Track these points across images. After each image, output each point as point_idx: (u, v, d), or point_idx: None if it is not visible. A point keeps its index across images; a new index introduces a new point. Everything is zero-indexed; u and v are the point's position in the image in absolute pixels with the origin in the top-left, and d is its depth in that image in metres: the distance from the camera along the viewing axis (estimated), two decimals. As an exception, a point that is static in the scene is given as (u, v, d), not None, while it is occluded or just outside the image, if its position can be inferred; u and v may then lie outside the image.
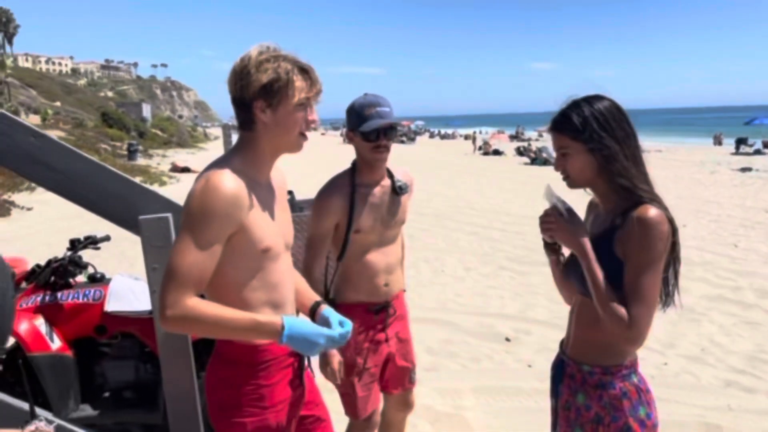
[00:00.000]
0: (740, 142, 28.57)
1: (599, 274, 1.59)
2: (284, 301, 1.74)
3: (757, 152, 26.85)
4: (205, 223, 1.50)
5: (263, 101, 1.57)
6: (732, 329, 5.16)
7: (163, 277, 1.48)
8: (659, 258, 1.55)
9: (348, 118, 2.35)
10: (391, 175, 2.48)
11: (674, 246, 1.61)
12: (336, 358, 2.25)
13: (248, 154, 1.65)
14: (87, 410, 3.04)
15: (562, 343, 1.87)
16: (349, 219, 2.35)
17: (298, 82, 1.59)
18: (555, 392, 1.83)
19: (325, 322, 1.68)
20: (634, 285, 1.55)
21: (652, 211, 1.54)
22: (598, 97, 1.67)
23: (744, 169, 19.53)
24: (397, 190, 2.44)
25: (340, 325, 1.66)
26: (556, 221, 1.70)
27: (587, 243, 1.63)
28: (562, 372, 1.80)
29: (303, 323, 1.58)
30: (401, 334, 2.61)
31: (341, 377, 2.31)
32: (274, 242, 1.67)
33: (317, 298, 1.89)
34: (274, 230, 1.69)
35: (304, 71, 1.61)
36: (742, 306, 5.78)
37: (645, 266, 1.55)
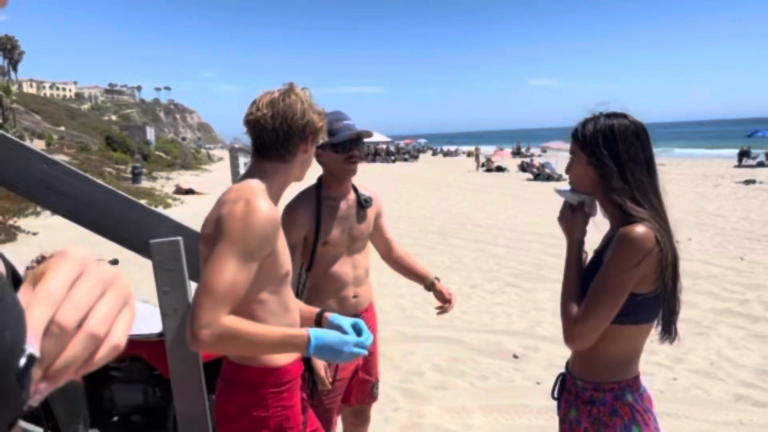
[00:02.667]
0: (743, 154, 28.56)
1: (573, 271, 1.71)
2: (296, 323, 1.79)
3: (761, 164, 26.81)
4: (247, 243, 1.54)
5: (313, 138, 1.75)
6: (740, 343, 5.13)
7: (198, 295, 1.51)
8: (625, 272, 1.56)
9: None
10: (355, 190, 2.56)
11: (663, 272, 1.58)
12: (322, 363, 2.26)
13: (277, 181, 1.73)
14: None
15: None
16: (317, 231, 2.41)
17: (326, 124, 1.84)
18: (558, 405, 1.87)
19: (339, 329, 1.72)
20: (595, 289, 1.60)
21: (639, 229, 1.56)
22: (619, 116, 1.70)
23: (747, 182, 19.52)
24: (363, 203, 2.52)
25: (353, 328, 1.72)
26: (562, 212, 1.82)
27: (574, 240, 1.75)
28: (563, 386, 1.84)
29: (327, 333, 1.63)
30: (370, 348, 2.62)
31: (329, 381, 2.33)
32: (289, 266, 1.74)
33: (315, 309, 1.93)
34: (289, 256, 1.75)
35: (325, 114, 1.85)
36: (750, 319, 5.75)
37: (611, 275, 1.58)
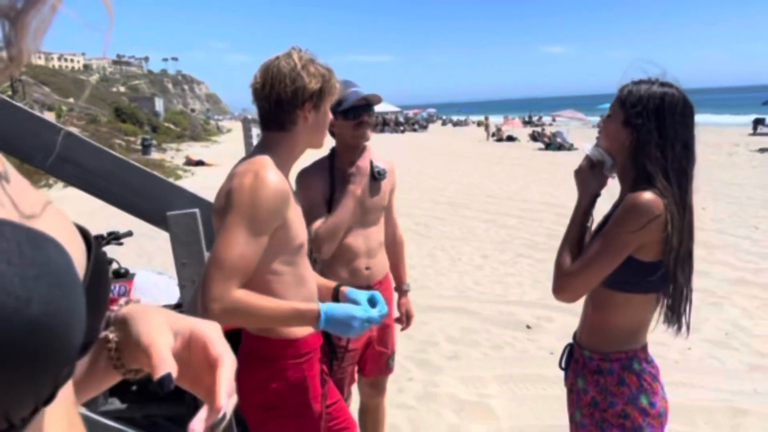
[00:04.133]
0: (758, 122, 28.16)
1: (575, 225, 1.71)
2: (313, 295, 1.78)
3: (776, 132, 26.47)
4: (256, 215, 1.52)
5: (311, 103, 1.65)
6: (755, 312, 5.11)
7: (208, 268, 1.51)
8: (623, 234, 1.55)
9: None
10: (370, 161, 2.51)
11: (665, 242, 1.55)
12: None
13: (283, 152, 1.69)
14: (116, 403, 3.08)
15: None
16: (329, 201, 2.39)
17: (336, 84, 1.72)
18: (566, 375, 1.87)
19: (353, 302, 1.72)
20: (591, 247, 1.61)
21: (647, 195, 1.54)
22: (673, 86, 1.65)
23: (763, 150, 19.28)
24: (376, 175, 2.49)
25: (370, 302, 1.71)
26: (580, 167, 1.79)
27: (586, 194, 1.74)
28: (570, 356, 1.84)
29: (338, 306, 1.63)
30: (386, 320, 2.63)
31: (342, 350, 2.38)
32: (304, 238, 1.72)
33: (333, 283, 1.92)
34: (303, 226, 1.73)
35: (334, 75, 1.73)
36: (764, 288, 5.72)
37: (609, 236, 1.57)
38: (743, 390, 3.74)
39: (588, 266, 1.59)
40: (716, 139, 24.74)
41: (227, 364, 0.63)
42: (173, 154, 26.85)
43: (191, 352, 0.64)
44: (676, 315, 1.67)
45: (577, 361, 1.78)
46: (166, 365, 0.57)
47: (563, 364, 1.88)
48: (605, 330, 1.68)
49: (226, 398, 0.60)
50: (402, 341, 4.38)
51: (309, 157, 2.11)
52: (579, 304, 4.81)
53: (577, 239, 1.69)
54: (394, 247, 2.79)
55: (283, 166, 1.68)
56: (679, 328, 1.69)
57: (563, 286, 1.64)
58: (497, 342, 4.67)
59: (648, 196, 1.53)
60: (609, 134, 1.70)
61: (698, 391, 3.71)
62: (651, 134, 1.60)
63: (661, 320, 1.70)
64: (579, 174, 1.78)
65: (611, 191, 1.79)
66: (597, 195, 1.76)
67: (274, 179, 1.57)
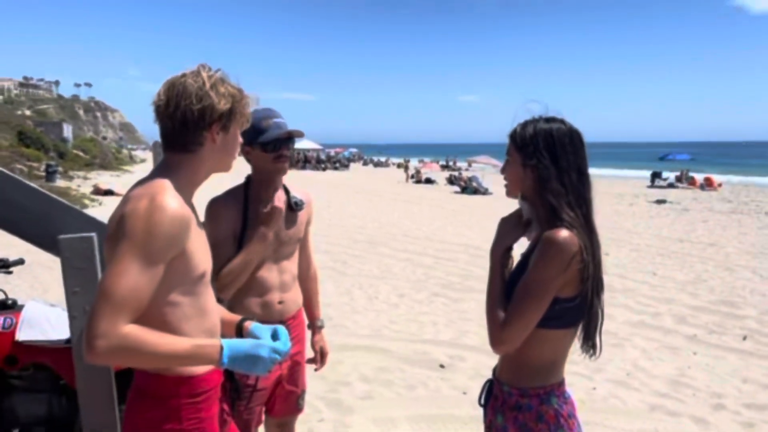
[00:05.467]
0: (655, 175, 30.27)
1: (497, 278, 1.70)
2: (216, 329, 1.66)
3: (671, 186, 28.49)
4: (150, 244, 1.39)
5: (219, 124, 1.55)
6: (654, 354, 5.35)
7: (95, 302, 1.34)
8: (551, 277, 1.57)
9: (242, 133, 2.31)
10: (287, 191, 2.46)
11: (585, 280, 1.59)
12: None
13: (185, 175, 1.57)
14: None
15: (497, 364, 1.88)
16: (242, 233, 2.30)
17: (246, 105, 1.61)
18: (484, 412, 1.85)
19: (256, 338, 1.61)
20: (520, 293, 1.60)
21: (563, 233, 1.57)
22: (556, 120, 1.71)
23: (659, 201, 20.68)
24: (293, 206, 2.42)
25: (272, 337, 1.61)
26: (510, 216, 1.80)
27: (502, 245, 1.75)
28: (490, 392, 1.82)
29: (241, 342, 1.52)
30: (296, 357, 2.55)
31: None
32: (207, 267, 1.60)
33: (237, 317, 1.81)
34: (206, 255, 1.62)
35: (246, 96, 1.63)
36: (662, 331, 6.02)
37: (534, 280, 1.58)
38: (645, 429, 3.86)
39: (521, 314, 1.58)
40: (619, 190, 26.31)
41: None
42: (80, 183, 25.53)
43: None
44: (591, 339, 1.71)
45: (497, 397, 1.76)
46: None
47: (482, 401, 1.85)
48: (525, 365, 1.68)
49: None
50: (314, 381, 4.25)
51: (220, 180, 2.02)
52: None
53: (501, 290, 1.68)
54: (308, 282, 2.70)
55: (185, 190, 1.55)
56: (594, 351, 1.73)
57: (501, 338, 1.61)
58: (411, 382, 4.62)
59: (563, 234, 1.56)
60: (512, 179, 1.74)
61: (602, 431, 3.80)
62: (549, 170, 1.65)
63: (578, 347, 1.73)
64: (505, 223, 1.79)
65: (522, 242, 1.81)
66: (510, 247, 1.77)
67: (173, 204, 1.43)
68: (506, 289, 1.70)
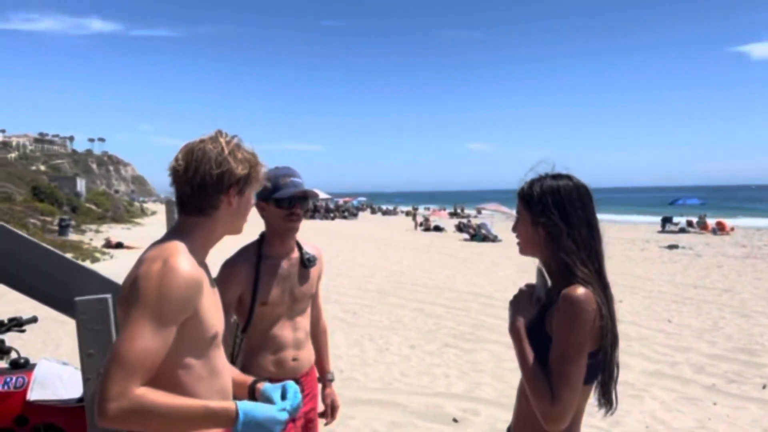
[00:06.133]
0: (666, 220, 30.15)
1: (528, 354, 1.63)
2: (228, 389, 1.67)
3: (682, 230, 28.33)
4: (163, 306, 1.40)
5: (236, 188, 1.59)
6: (673, 405, 5.22)
7: (108, 364, 1.35)
8: (583, 337, 1.55)
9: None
10: (300, 248, 2.48)
11: (604, 336, 1.59)
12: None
13: (200, 237, 1.60)
14: None
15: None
16: (254, 290, 2.32)
17: (261, 172, 1.66)
18: None
19: (268, 400, 1.61)
20: (558, 363, 1.56)
21: (580, 290, 1.57)
22: (564, 176, 1.73)
23: (671, 247, 20.50)
24: (306, 263, 2.45)
25: (283, 395, 1.61)
26: (521, 295, 1.77)
27: (521, 324, 1.69)
28: None
29: (256, 405, 1.51)
30: (310, 414, 2.53)
31: None
32: (220, 327, 1.62)
33: (249, 378, 1.80)
34: (219, 315, 1.64)
35: (260, 161, 1.68)
36: (680, 381, 5.89)
37: (568, 344, 1.56)
38: (666, 485, 3.74)
39: (568, 384, 1.55)
40: (630, 235, 26.21)
41: None
42: (92, 236, 25.77)
43: None
44: (608, 394, 1.69)
45: None
46: None
47: None
48: (541, 423, 1.65)
49: None
50: (325, 437, 4.17)
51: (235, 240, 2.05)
52: (504, 396, 4.77)
53: (537, 365, 1.62)
54: (318, 335, 2.71)
55: (199, 252, 1.58)
56: (610, 406, 1.71)
57: (556, 415, 1.55)
58: (424, 437, 4.52)
59: (580, 291, 1.56)
60: (524, 237, 1.76)
61: (623, 487, 3.69)
62: (559, 227, 1.66)
63: (594, 403, 1.71)
64: (518, 304, 1.76)
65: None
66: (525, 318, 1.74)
67: (185, 267, 1.46)
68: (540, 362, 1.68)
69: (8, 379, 2.81)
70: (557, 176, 1.73)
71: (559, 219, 1.66)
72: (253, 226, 2.23)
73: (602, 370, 1.65)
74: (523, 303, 1.76)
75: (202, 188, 1.56)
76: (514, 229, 1.79)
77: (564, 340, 1.56)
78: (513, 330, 1.71)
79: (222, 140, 1.59)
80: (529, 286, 1.80)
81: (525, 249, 1.78)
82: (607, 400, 1.70)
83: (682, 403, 5.28)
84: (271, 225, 2.40)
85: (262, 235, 2.44)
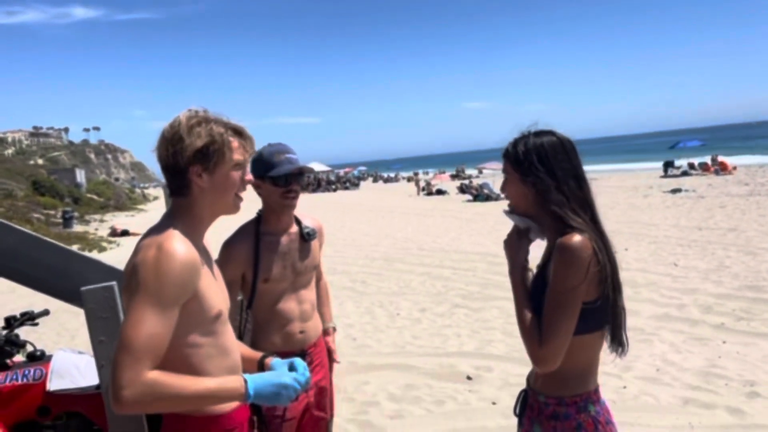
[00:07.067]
0: (668, 165, 30.00)
1: (521, 296, 1.70)
2: (237, 365, 1.70)
3: (684, 173, 28.22)
4: (162, 291, 1.42)
5: (199, 166, 1.55)
6: (683, 347, 5.29)
7: (117, 353, 1.38)
8: (575, 283, 1.58)
9: (254, 166, 2.35)
10: (298, 222, 2.49)
11: (604, 281, 1.62)
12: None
13: (186, 219, 1.60)
14: None
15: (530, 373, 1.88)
16: (255, 268, 2.34)
17: (234, 143, 1.59)
18: (519, 423, 1.84)
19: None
20: (549, 308, 1.61)
21: (575, 238, 1.59)
22: (546, 133, 1.76)
23: (674, 191, 20.47)
24: (305, 236, 2.46)
25: (289, 369, 1.65)
26: (509, 236, 1.82)
27: (517, 266, 1.76)
28: (525, 402, 1.82)
29: (263, 376, 1.56)
30: (321, 383, 2.57)
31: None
32: (223, 306, 1.64)
33: (258, 354, 1.84)
34: (221, 294, 1.66)
35: (238, 132, 1.61)
36: (689, 323, 5.95)
37: (560, 291, 1.59)
38: (679, 425, 3.82)
39: (557, 328, 1.58)
40: (632, 183, 26.15)
41: None
42: (97, 226, 25.87)
43: None
44: (618, 338, 1.73)
45: (533, 407, 1.77)
46: None
47: (517, 411, 1.86)
48: (560, 374, 1.68)
49: None
50: (342, 403, 4.26)
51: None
52: (515, 350, 4.83)
53: (529, 307, 1.68)
54: (318, 290, 2.72)
55: (193, 234, 1.59)
56: (622, 349, 1.75)
57: (543, 357, 1.60)
58: (439, 396, 4.60)
59: (576, 239, 1.59)
60: (513, 196, 1.78)
61: (636, 429, 3.77)
62: (546, 181, 1.68)
63: (605, 348, 1.75)
64: (509, 244, 1.81)
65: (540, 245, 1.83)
66: (526, 264, 1.79)
67: (180, 250, 1.47)
68: (532, 304, 1.72)
69: (26, 372, 2.87)
70: (540, 133, 1.75)
71: (545, 174, 1.68)
72: (253, 202, 2.24)
73: (608, 317, 1.68)
74: (513, 242, 1.80)
75: (166, 170, 1.57)
76: (503, 189, 1.82)
77: (557, 287, 1.60)
78: (511, 275, 1.77)
79: (183, 116, 1.56)
80: (513, 227, 1.82)
81: (517, 207, 1.79)
82: (618, 343, 1.74)
83: (692, 343, 5.35)
84: (267, 203, 2.41)
85: (260, 213, 2.45)
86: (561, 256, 1.59)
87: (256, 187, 2.37)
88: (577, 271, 1.57)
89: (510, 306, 7.26)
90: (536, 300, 1.67)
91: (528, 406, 1.80)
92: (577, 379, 1.69)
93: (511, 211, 1.81)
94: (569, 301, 1.59)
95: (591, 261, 1.58)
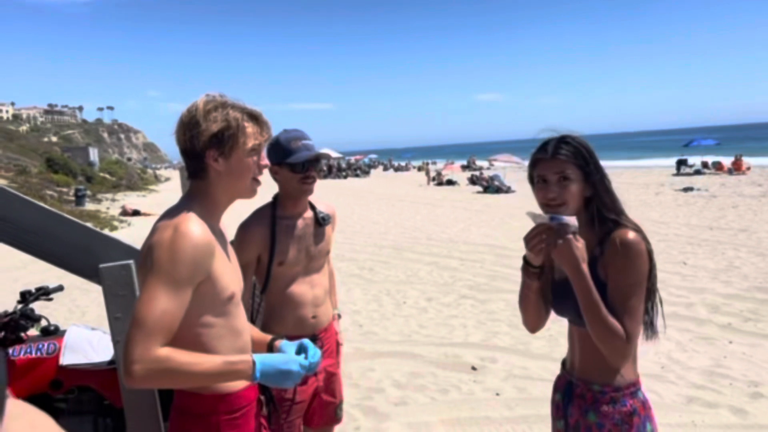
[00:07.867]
0: (681, 163, 29.78)
1: (596, 294, 1.62)
2: (247, 346, 1.74)
3: (697, 172, 28.01)
4: (176, 271, 1.46)
5: (215, 150, 1.58)
6: (689, 345, 5.30)
7: (130, 329, 1.43)
8: (643, 277, 1.65)
9: (271, 152, 2.37)
10: (313, 207, 2.52)
11: (651, 271, 1.69)
12: None
13: (204, 202, 1.64)
14: None
15: (565, 365, 1.93)
16: (271, 251, 2.37)
17: (249, 128, 1.62)
18: (564, 414, 1.86)
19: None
20: (624, 304, 1.63)
21: (632, 234, 1.65)
22: (576, 136, 1.76)
23: (686, 189, 20.34)
24: (320, 221, 2.49)
25: (298, 352, 1.69)
26: (550, 238, 1.67)
27: (582, 265, 1.63)
28: (571, 393, 1.85)
29: (272, 356, 1.60)
30: (330, 368, 2.60)
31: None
32: (236, 288, 1.67)
33: (267, 336, 1.88)
34: (235, 277, 1.69)
35: (254, 117, 1.64)
36: (696, 322, 5.95)
37: (632, 285, 1.64)
38: (682, 423, 3.84)
39: (638, 322, 1.64)
40: (644, 180, 25.98)
41: None
42: (109, 205, 26.05)
43: None
44: (653, 325, 1.78)
45: (583, 396, 1.80)
46: None
47: (563, 401, 1.87)
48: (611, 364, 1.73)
49: None
50: (348, 389, 4.31)
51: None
52: (520, 343, 4.84)
53: (600, 304, 1.63)
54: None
55: (210, 216, 1.62)
56: (655, 334, 1.81)
57: (629, 352, 1.65)
58: (444, 386, 4.65)
59: (633, 234, 1.65)
60: (572, 197, 1.70)
61: (639, 426, 3.79)
62: (606, 180, 1.73)
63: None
64: (565, 251, 1.64)
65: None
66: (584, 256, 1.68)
67: (196, 232, 1.50)
68: (555, 290, 1.80)
69: (41, 346, 2.92)
70: (574, 136, 1.76)
71: (603, 172, 1.73)
72: (268, 187, 2.27)
73: (648, 305, 1.74)
74: (573, 247, 1.64)
75: (185, 153, 1.61)
76: (553, 192, 1.71)
77: (628, 281, 1.64)
78: (579, 279, 1.63)
79: (200, 101, 1.59)
80: (539, 224, 1.71)
81: (570, 208, 1.71)
82: (653, 331, 1.80)
83: (698, 342, 5.36)
84: (285, 188, 2.44)
85: (275, 197, 2.47)
86: (626, 251, 1.64)
87: (274, 174, 2.39)
88: (643, 263, 1.64)
89: (516, 299, 7.20)
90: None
91: (576, 396, 1.82)
92: (630, 367, 1.75)
93: (554, 215, 1.67)
94: (641, 293, 1.65)
95: (648, 256, 1.66)
